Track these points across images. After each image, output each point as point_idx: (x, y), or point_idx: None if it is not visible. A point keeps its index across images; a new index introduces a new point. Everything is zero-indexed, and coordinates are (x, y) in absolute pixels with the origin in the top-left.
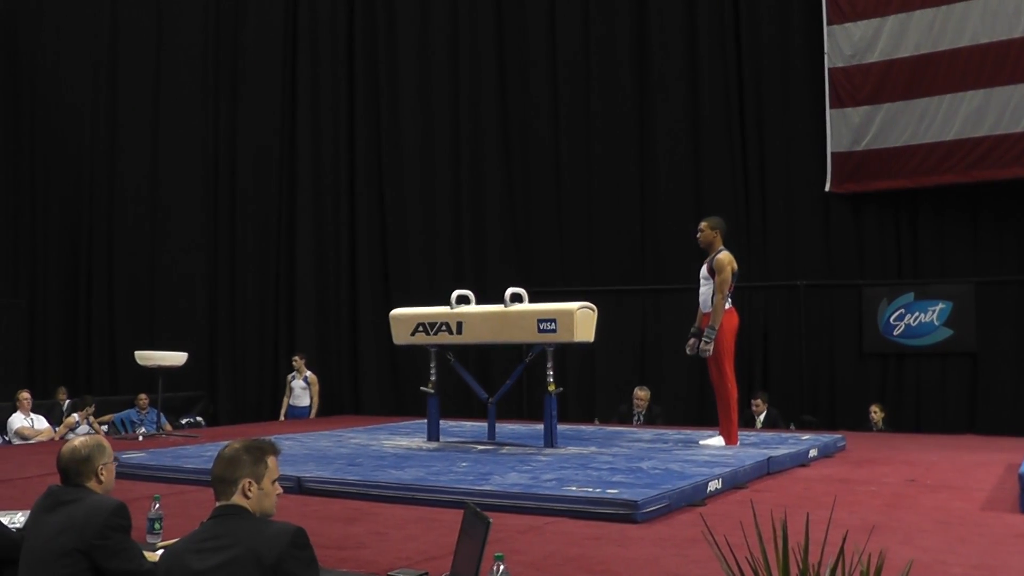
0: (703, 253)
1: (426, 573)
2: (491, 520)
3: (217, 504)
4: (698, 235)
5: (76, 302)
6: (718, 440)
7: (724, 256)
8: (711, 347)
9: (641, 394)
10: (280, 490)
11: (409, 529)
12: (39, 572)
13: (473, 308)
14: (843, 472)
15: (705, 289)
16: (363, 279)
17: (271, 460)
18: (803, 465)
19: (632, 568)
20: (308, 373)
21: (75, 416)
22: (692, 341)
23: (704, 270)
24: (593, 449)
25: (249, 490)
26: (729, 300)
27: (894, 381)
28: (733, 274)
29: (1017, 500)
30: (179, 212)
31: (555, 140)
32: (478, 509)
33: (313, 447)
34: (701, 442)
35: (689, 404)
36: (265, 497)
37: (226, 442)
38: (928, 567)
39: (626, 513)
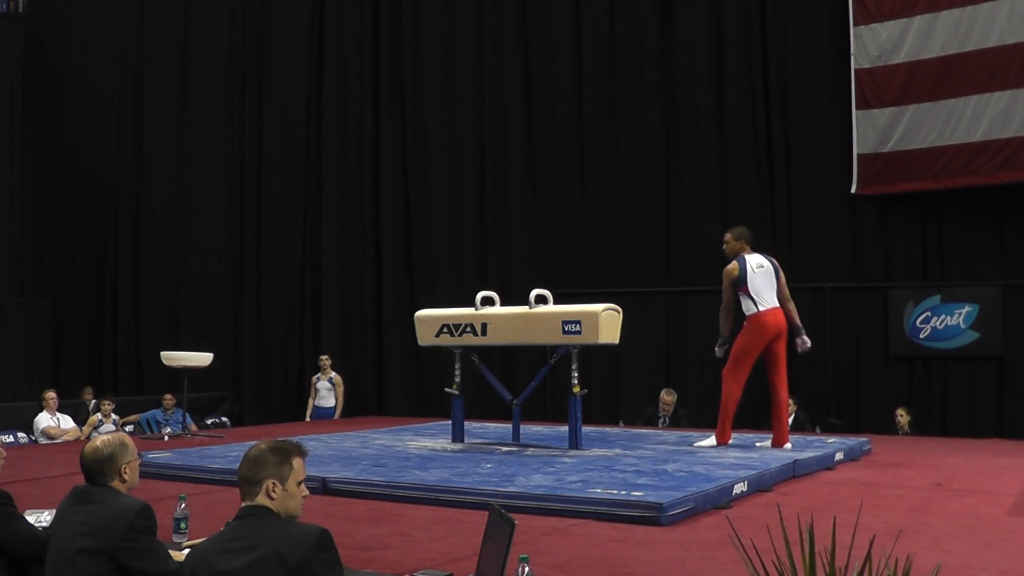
0: (719, 253)
1: (451, 574)
2: (516, 521)
3: (242, 504)
4: (724, 247)
5: (102, 302)
6: (710, 440)
7: (726, 268)
8: (718, 351)
9: (667, 398)
10: (306, 492)
11: (434, 530)
12: (64, 571)
13: (498, 309)
14: (869, 476)
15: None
16: (388, 280)
17: (297, 461)
18: (829, 468)
19: (657, 571)
20: (333, 374)
21: (98, 415)
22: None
23: None
24: (618, 451)
25: (273, 491)
26: (760, 304)
27: (920, 384)
28: (734, 281)
29: None
30: (205, 212)
31: (580, 141)
32: (503, 510)
33: (338, 448)
34: (695, 444)
35: (715, 407)
36: (290, 498)
37: (251, 442)
38: (955, 572)
39: (651, 515)
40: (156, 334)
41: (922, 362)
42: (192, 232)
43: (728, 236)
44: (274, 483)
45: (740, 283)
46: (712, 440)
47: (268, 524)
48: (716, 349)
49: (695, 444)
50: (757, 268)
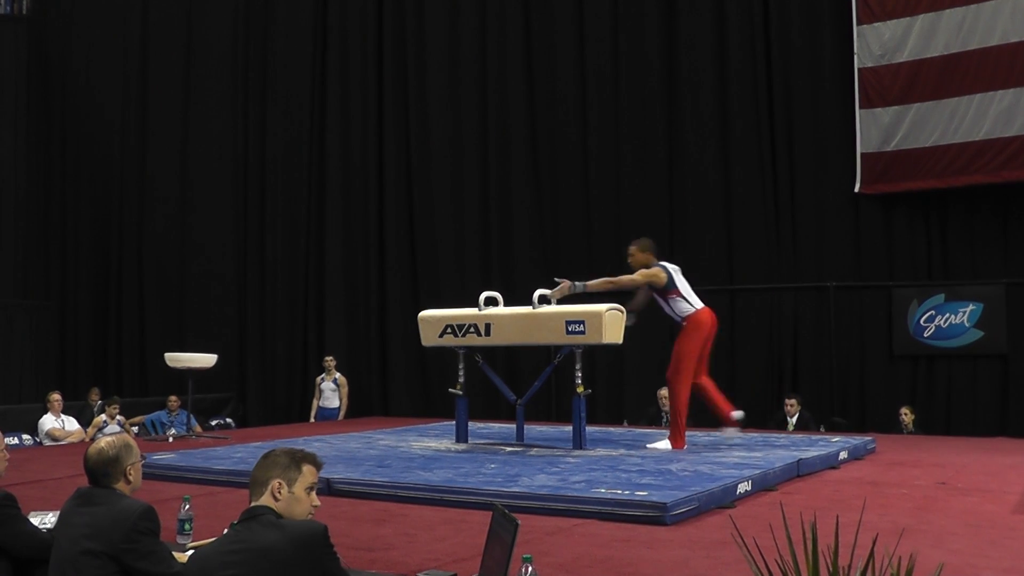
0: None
1: (455, 575)
2: (519, 522)
3: (248, 507)
4: (629, 260)
5: (106, 304)
6: (664, 443)
7: (651, 271)
8: (571, 287)
9: (664, 392)
10: (317, 502)
11: (438, 530)
12: (68, 573)
13: (501, 310)
14: (873, 474)
15: (662, 303)
16: (392, 281)
17: (307, 468)
18: (833, 467)
19: (661, 570)
20: (337, 375)
21: (103, 416)
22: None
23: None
24: (622, 451)
25: (279, 492)
26: (694, 304)
27: (924, 383)
28: (661, 286)
29: None
30: (208, 214)
31: (583, 141)
32: (506, 511)
33: (342, 448)
34: (648, 446)
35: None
36: (296, 503)
37: (256, 444)
38: (959, 570)
39: (655, 515)
40: (160, 336)
41: (926, 361)
42: (196, 233)
43: (633, 248)
44: (280, 483)
45: (669, 287)
46: (667, 444)
47: (267, 523)
48: (576, 284)
49: (648, 446)
50: (675, 271)
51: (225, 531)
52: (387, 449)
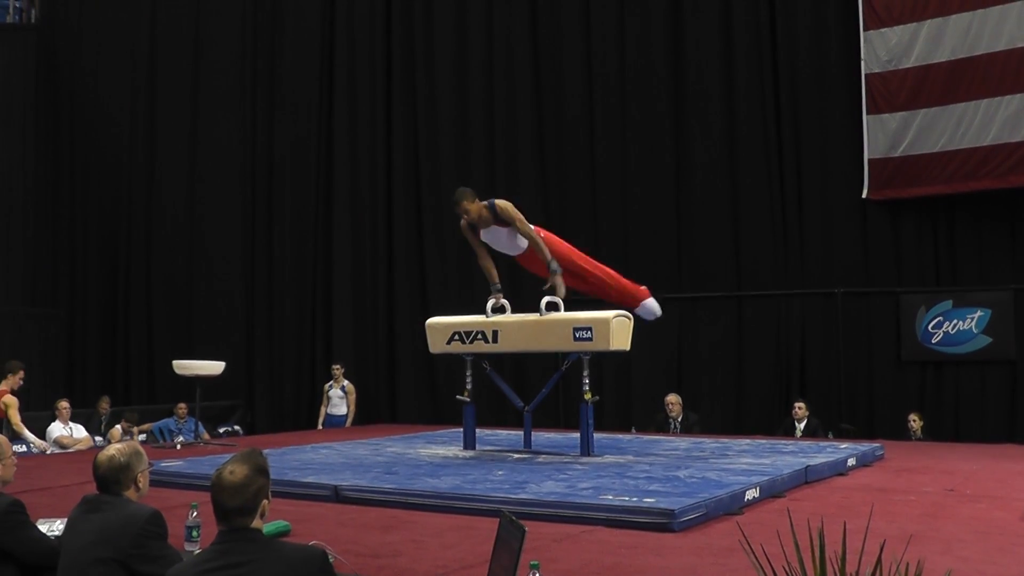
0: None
1: None
2: (527, 528)
3: (226, 527)
4: (468, 216)
5: (115, 312)
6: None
7: (502, 202)
8: (559, 281)
9: (672, 399)
10: None
11: (445, 537)
12: None
13: (509, 316)
14: (881, 481)
15: (507, 239)
16: (400, 288)
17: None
18: (841, 474)
19: None
20: (345, 382)
21: (118, 428)
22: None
23: (498, 230)
24: (630, 458)
25: (266, 509)
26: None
27: (933, 389)
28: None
29: None
30: (216, 222)
31: (591, 147)
32: (514, 517)
33: (350, 455)
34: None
35: (726, 412)
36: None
37: (264, 451)
38: None
39: (663, 522)
40: (168, 343)
41: (934, 367)
42: (204, 240)
43: (465, 203)
44: (267, 502)
45: None
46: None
47: (263, 547)
48: (559, 281)
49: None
50: None
51: (202, 551)
52: (395, 456)
